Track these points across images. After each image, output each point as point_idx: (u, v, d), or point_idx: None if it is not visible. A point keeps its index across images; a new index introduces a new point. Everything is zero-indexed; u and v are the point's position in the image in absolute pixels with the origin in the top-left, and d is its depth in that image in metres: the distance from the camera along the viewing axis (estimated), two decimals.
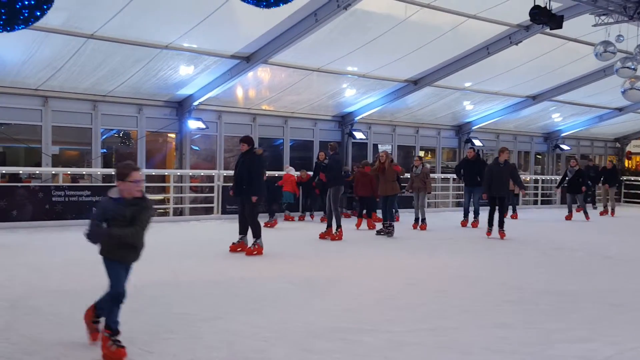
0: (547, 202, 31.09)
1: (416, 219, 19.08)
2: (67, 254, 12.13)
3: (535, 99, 27.62)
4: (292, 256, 13.04)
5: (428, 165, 19.54)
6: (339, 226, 15.86)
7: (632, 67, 19.20)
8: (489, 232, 17.02)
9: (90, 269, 10.51)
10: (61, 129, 19.90)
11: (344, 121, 25.89)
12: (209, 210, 20.54)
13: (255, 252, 12.89)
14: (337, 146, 16.94)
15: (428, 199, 21.31)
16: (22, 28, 10.33)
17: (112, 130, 21.93)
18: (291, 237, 16.49)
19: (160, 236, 15.55)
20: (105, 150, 21.47)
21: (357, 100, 24.51)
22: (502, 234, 16.77)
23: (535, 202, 30.96)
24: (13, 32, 10.49)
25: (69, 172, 19.99)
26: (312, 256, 13.07)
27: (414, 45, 19.76)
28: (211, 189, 20.87)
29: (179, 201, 21.17)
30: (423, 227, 18.70)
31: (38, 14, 9.96)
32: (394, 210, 17.62)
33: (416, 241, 16.00)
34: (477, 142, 29.90)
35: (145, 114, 21.01)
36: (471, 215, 20.14)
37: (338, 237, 15.77)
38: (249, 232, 13.22)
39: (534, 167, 34.84)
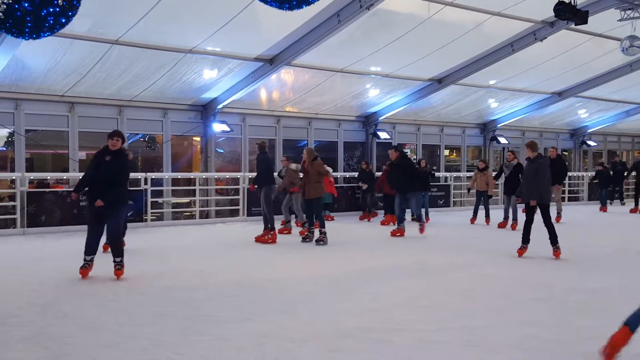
0: (574, 199, 30.63)
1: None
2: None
3: (560, 95, 27.46)
4: (317, 257, 12.97)
5: (294, 165, 17.05)
6: (272, 228, 14.97)
7: None
8: (523, 249, 13.08)
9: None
10: (87, 134, 20.04)
11: (368, 121, 25.87)
12: (234, 213, 20.58)
13: (119, 277, 10.24)
14: (265, 144, 16.30)
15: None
16: (48, 35, 10.45)
17: (137, 134, 22.08)
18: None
19: (187, 239, 15.65)
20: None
21: (381, 100, 24.47)
22: (556, 253, 12.83)
23: (563, 199, 30.57)
24: (39, 39, 10.63)
25: None
26: (338, 257, 12.95)
27: (438, 43, 19.70)
28: (237, 192, 20.92)
29: (204, 204, 21.25)
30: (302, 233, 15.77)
31: (63, 21, 10.07)
32: (323, 214, 16.19)
33: (444, 240, 15.89)
34: (502, 140, 29.80)
35: (170, 117, 21.17)
36: (407, 223, 16.99)
37: (271, 239, 14.86)
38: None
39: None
